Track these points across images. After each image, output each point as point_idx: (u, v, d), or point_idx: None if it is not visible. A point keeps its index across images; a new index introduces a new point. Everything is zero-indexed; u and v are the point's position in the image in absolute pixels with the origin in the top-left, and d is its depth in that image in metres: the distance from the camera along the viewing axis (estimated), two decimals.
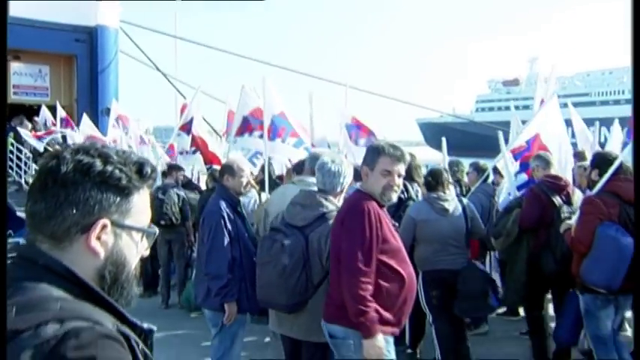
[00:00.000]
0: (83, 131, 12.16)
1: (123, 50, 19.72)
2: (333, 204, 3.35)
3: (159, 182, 7.28)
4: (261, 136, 6.73)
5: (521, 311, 5.75)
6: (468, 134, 52.87)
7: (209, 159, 8.27)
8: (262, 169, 7.08)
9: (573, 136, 7.29)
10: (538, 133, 5.82)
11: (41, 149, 12.99)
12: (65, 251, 1.07)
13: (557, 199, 4.65)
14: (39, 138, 13.41)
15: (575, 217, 4.22)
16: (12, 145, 15.35)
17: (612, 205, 3.92)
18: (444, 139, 7.02)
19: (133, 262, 1.16)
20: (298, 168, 4.50)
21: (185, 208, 7.23)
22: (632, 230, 3.81)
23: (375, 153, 3.00)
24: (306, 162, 4.20)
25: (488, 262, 6.04)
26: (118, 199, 1.11)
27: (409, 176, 5.11)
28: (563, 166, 5.48)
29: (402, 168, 2.99)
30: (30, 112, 17.57)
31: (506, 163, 5.79)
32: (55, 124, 15.29)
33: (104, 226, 1.09)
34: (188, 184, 8.02)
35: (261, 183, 6.72)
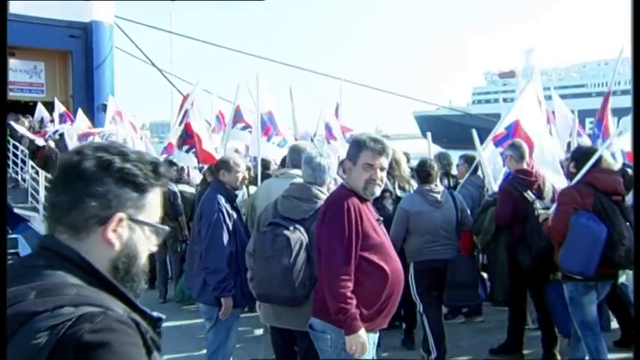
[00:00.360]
0: (78, 127, 12.18)
1: (118, 46, 19.72)
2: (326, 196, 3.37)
3: None
4: (244, 129, 6.84)
5: None
6: (464, 126, 52.71)
7: (203, 158, 8.31)
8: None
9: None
10: (518, 119, 5.86)
11: (41, 144, 13.08)
12: (82, 242, 1.14)
13: (529, 195, 4.77)
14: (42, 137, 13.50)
15: (552, 208, 4.36)
16: (8, 142, 15.32)
17: (587, 195, 4.03)
18: (429, 134, 7.03)
19: (144, 256, 1.22)
20: (282, 162, 4.54)
21: (177, 202, 7.31)
22: (605, 219, 3.94)
23: (356, 147, 2.95)
24: (287, 154, 4.22)
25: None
26: (135, 195, 1.17)
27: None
28: (544, 153, 5.47)
29: (384, 161, 2.93)
30: (24, 109, 17.42)
31: (482, 161, 5.77)
32: (52, 121, 15.28)
33: (120, 220, 1.15)
34: (179, 179, 8.08)
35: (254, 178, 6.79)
